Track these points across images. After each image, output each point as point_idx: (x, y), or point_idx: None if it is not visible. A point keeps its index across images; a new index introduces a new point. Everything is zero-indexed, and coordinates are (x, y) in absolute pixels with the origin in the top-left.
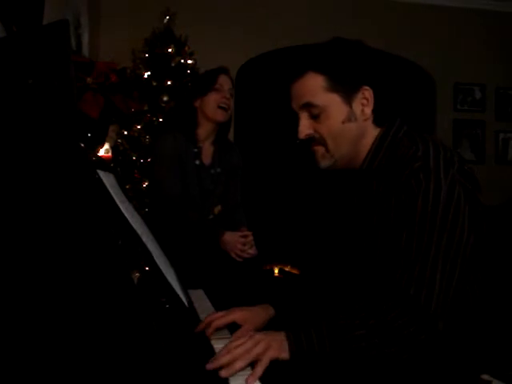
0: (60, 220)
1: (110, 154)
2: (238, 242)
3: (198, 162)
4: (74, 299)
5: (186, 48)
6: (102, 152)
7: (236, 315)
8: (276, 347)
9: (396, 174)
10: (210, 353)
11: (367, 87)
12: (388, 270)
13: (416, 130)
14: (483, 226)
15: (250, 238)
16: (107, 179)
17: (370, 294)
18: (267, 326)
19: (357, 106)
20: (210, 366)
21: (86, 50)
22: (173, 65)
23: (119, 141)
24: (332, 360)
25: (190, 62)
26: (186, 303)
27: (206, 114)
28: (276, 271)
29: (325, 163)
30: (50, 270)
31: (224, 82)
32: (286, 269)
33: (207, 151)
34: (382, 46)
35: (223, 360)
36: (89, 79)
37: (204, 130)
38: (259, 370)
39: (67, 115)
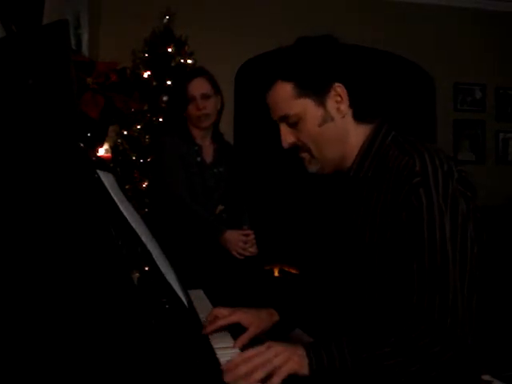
0: (59, 220)
1: (109, 154)
2: (240, 241)
3: (199, 159)
4: (73, 299)
5: (186, 48)
6: (101, 152)
7: (242, 317)
8: (297, 361)
9: (392, 189)
10: (210, 353)
11: (338, 84)
12: (400, 289)
13: (405, 136)
14: (483, 235)
15: (252, 236)
16: (107, 179)
17: (385, 308)
18: (270, 331)
19: (331, 105)
20: (228, 378)
21: (85, 50)
22: (173, 65)
23: (119, 141)
24: (352, 376)
25: (189, 61)
26: (185, 303)
27: (193, 123)
28: (276, 271)
29: (312, 168)
30: (50, 270)
31: (194, 88)
32: (287, 269)
33: (207, 150)
34: (382, 46)
35: (242, 370)
36: (89, 79)
37: (198, 132)
38: (276, 380)
39: (67, 115)
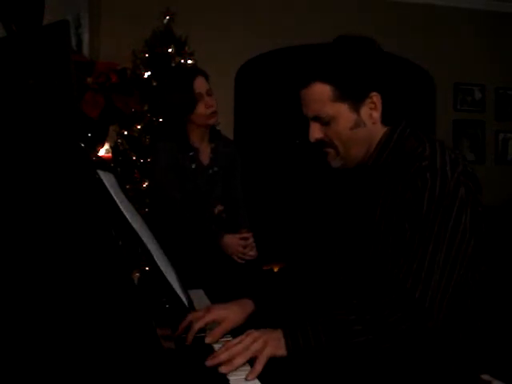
0: (60, 220)
1: (110, 154)
2: (239, 245)
3: (194, 166)
4: (74, 299)
5: (186, 48)
6: (102, 152)
7: (215, 314)
8: (273, 344)
9: (402, 171)
10: (211, 352)
11: (375, 93)
12: (387, 264)
13: (422, 131)
14: (482, 228)
15: (251, 240)
16: (107, 179)
17: (366, 288)
18: (248, 322)
19: (365, 111)
20: (209, 363)
21: (86, 50)
22: (173, 65)
23: (119, 141)
24: (328, 354)
25: (190, 62)
26: (186, 303)
27: (199, 123)
28: (276, 271)
29: (336, 164)
30: (50, 270)
31: (199, 87)
32: None
33: (205, 151)
34: (382, 46)
35: (222, 357)
36: (89, 79)
37: (197, 134)
38: (258, 367)
39: (67, 115)
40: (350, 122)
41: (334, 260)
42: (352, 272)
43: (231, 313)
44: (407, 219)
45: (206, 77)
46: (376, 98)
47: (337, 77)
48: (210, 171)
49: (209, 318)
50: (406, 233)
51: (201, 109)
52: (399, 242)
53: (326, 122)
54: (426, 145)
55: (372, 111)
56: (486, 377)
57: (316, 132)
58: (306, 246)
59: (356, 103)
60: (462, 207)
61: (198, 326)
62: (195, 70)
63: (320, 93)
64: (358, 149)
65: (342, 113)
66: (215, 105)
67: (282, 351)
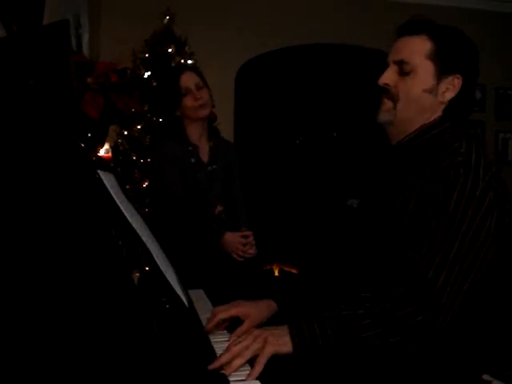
0: (60, 220)
1: (110, 154)
2: (239, 243)
3: (193, 160)
4: (74, 300)
5: (186, 48)
6: (102, 152)
7: (239, 310)
8: (274, 342)
9: (433, 162)
10: (211, 352)
11: (460, 76)
12: (409, 252)
13: (461, 128)
14: (506, 239)
15: (251, 238)
16: (107, 179)
17: (380, 277)
18: (269, 322)
19: (443, 85)
20: (211, 367)
21: (86, 50)
22: (173, 65)
23: (119, 141)
24: (336, 351)
25: (190, 62)
26: (186, 303)
27: (192, 118)
28: (276, 271)
29: (384, 118)
30: (51, 270)
31: (187, 81)
32: (286, 269)
33: (204, 148)
34: (382, 46)
35: (223, 359)
36: (89, 79)
37: (194, 130)
38: (258, 367)
39: (67, 115)
40: (427, 84)
41: (352, 248)
42: (369, 258)
43: (255, 311)
44: (433, 210)
45: (197, 71)
46: (457, 81)
47: (443, 39)
48: (209, 168)
49: (233, 312)
50: (430, 224)
51: (189, 102)
52: (422, 233)
53: (405, 72)
54: (463, 142)
55: (448, 91)
56: (486, 377)
57: (389, 77)
58: (314, 246)
59: (441, 72)
60: (489, 210)
61: (220, 316)
62: (183, 66)
63: (420, 44)
64: (414, 113)
65: (426, 70)
66: (205, 97)
67: (286, 348)
